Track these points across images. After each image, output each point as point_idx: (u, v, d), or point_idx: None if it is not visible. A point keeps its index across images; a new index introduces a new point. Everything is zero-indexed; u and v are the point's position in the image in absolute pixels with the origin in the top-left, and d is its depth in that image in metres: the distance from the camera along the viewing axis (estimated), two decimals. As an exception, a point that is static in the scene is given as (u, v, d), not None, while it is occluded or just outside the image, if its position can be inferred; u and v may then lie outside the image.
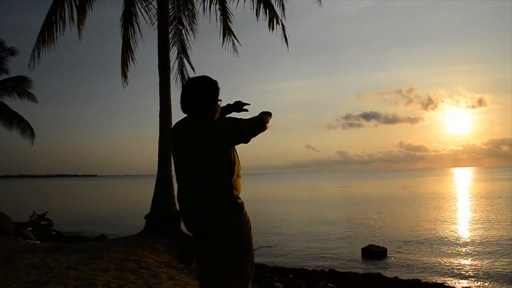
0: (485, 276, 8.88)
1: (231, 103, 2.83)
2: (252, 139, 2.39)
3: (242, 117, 2.42)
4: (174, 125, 2.52)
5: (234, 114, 2.80)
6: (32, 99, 18.39)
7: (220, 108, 2.53)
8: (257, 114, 2.56)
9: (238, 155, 2.43)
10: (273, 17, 9.46)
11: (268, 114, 2.53)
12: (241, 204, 2.36)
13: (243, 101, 2.81)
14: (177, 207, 9.25)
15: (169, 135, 2.50)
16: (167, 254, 7.32)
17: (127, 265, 5.81)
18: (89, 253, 6.57)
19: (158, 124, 9.39)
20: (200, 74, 2.50)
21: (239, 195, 2.38)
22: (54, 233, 15.74)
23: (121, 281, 4.81)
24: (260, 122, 2.38)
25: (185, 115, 2.47)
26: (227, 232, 2.30)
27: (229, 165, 2.31)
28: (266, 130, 2.46)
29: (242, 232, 2.34)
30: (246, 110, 2.83)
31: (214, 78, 2.48)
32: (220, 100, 2.49)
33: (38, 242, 10.33)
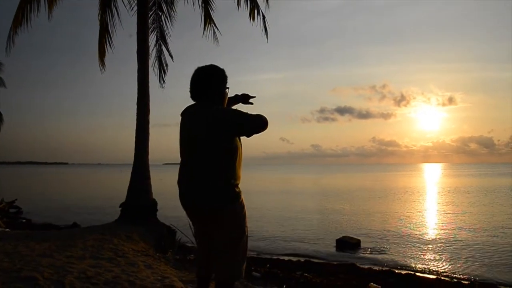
0: (455, 265, 9.19)
1: (239, 94, 2.92)
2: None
3: (248, 112, 2.47)
4: (183, 111, 2.56)
5: (240, 105, 2.90)
6: (0, 83, 17.81)
7: (228, 96, 2.61)
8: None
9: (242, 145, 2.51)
10: (254, 7, 9.37)
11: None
12: (239, 192, 2.47)
13: (250, 94, 2.92)
14: (153, 196, 9.11)
15: (180, 122, 2.57)
16: (143, 243, 7.22)
17: (103, 253, 5.69)
18: (63, 241, 6.40)
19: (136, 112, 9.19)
20: (209, 63, 2.53)
21: (239, 184, 2.48)
22: (24, 221, 15.35)
23: (98, 269, 4.71)
24: (264, 122, 2.45)
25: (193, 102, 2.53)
26: (225, 217, 2.39)
27: (232, 153, 2.39)
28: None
29: (239, 217, 2.45)
30: (251, 103, 2.94)
31: (221, 67, 2.54)
32: (228, 88, 2.57)
33: (7, 229, 10.03)
